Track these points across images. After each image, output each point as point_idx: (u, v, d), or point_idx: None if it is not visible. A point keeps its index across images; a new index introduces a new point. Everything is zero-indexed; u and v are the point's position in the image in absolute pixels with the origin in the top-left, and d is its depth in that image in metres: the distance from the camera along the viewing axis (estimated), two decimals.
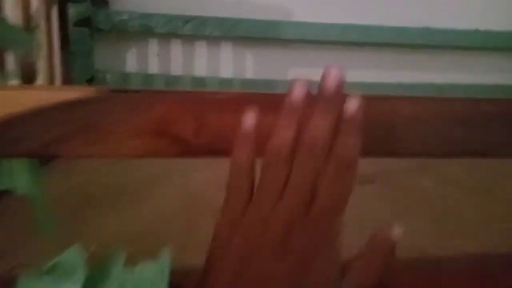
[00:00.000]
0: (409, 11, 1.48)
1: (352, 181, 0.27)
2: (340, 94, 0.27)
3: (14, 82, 0.85)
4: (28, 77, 0.83)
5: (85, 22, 1.19)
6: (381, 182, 0.82)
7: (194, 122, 0.36)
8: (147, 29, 1.30)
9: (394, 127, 0.38)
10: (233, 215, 0.28)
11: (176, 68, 1.41)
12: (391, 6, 1.48)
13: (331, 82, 0.27)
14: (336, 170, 0.27)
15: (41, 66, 1.00)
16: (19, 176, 0.44)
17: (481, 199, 0.73)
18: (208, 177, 0.77)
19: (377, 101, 0.39)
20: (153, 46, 1.37)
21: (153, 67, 1.39)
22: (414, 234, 0.61)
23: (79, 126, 0.35)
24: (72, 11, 1.15)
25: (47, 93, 0.35)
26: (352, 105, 0.27)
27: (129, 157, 0.36)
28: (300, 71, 1.54)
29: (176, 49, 1.39)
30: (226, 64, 1.43)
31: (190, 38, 1.38)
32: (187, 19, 1.32)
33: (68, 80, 1.14)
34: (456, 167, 0.82)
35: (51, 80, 1.01)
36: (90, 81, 1.24)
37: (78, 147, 0.36)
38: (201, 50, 1.41)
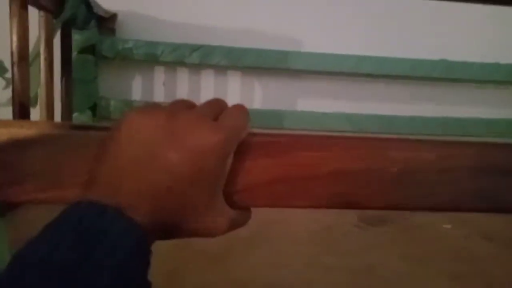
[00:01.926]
0: (426, 43, 1.43)
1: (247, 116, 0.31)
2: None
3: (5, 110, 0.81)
4: (22, 105, 0.79)
5: (90, 49, 1.16)
6: (394, 224, 0.74)
7: None
8: (152, 57, 1.27)
9: (415, 175, 0.32)
10: (145, 108, 0.29)
11: (182, 96, 1.37)
12: (406, 37, 1.44)
13: None
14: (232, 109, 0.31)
15: (40, 94, 0.97)
16: None
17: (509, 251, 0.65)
18: None
19: (393, 143, 0.32)
20: (159, 75, 1.34)
21: (159, 96, 1.35)
22: None
23: (32, 168, 0.30)
24: (77, 38, 1.13)
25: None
26: None
27: None
28: (308, 102, 1.50)
29: (183, 77, 1.36)
30: (234, 94, 1.39)
31: (197, 67, 1.34)
32: (194, 48, 1.29)
33: (69, 107, 1.11)
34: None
35: (50, 107, 0.98)
36: (93, 108, 1.21)
37: (30, 193, 0.30)
38: (208, 79, 1.38)
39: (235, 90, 1.39)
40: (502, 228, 0.75)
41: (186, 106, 0.31)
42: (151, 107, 0.29)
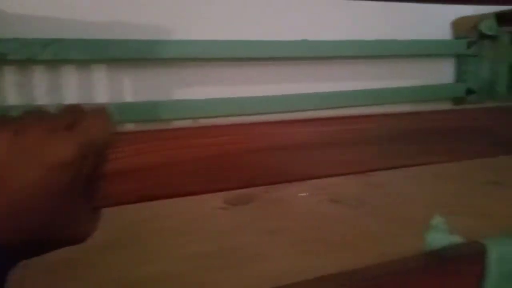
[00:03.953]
0: (288, 24, 1.51)
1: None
2: None
3: None
4: None
5: None
6: (256, 200, 0.78)
7: None
8: None
9: (284, 152, 0.34)
10: None
11: (43, 97, 1.26)
12: (270, 20, 1.50)
13: None
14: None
15: None
16: None
17: (351, 211, 0.72)
18: None
19: (258, 127, 0.34)
20: (10, 75, 1.21)
21: (14, 99, 1.22)
22: (278, 256, 0.57)
23: None
24: None
25: None
26: None
27: None
28: (184, 91, 1.49)
29: (40, 76, 1.24)
30: (101, 89, 1.32)
31: (54, 63, 1.24)
32: (46, 43, 1.18)
33: None
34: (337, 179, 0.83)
35: None
36: None
37: None
38: (69, 76, 1.28)
39: (102, 85, 1.32)
40: (350, 191, 0.83)
41: (37, 116, 0.29)
42: None
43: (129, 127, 1.27)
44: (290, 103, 1.51)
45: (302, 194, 0.80)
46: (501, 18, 1.53)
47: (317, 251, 0.55)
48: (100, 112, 0.31)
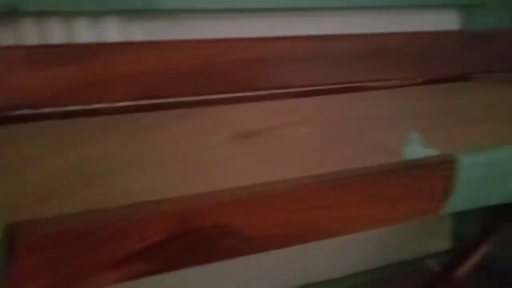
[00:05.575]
0: None
1: None
2: None
3: None
4: None
5: None
6: (264, 137, 0.83)
7: None
8: None
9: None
10: None
11: None
12: None
13: None
14: None
15: None
16: None
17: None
18: None
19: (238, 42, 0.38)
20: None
21: None
22: None
23: None
24: None
25: None
26: None
27: None
28: None
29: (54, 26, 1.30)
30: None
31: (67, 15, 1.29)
32: None
33: None
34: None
35: None
36: None
37: None
38: (82, 28, 1.33)
39: (115, 38, 1.37)
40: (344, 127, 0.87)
41: None
42: None
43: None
44: None
45: (304, 130, 0.87)
46: None
47: (308, 169, 0.61)
48: None
